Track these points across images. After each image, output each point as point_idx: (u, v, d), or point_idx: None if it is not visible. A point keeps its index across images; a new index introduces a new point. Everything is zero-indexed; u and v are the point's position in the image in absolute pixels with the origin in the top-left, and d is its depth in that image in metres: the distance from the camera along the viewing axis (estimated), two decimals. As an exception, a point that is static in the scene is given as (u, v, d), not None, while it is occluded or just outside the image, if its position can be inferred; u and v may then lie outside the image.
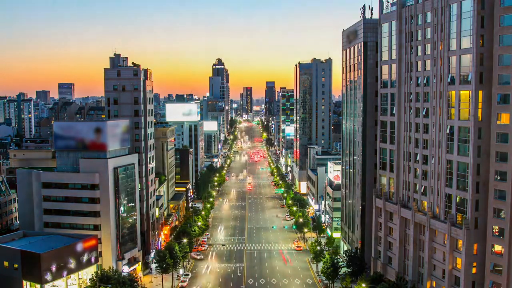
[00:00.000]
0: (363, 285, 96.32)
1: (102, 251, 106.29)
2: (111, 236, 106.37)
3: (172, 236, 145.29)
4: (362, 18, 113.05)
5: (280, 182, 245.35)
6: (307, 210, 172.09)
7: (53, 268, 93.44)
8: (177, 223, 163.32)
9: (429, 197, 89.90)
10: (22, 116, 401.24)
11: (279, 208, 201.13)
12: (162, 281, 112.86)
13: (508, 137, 74.40)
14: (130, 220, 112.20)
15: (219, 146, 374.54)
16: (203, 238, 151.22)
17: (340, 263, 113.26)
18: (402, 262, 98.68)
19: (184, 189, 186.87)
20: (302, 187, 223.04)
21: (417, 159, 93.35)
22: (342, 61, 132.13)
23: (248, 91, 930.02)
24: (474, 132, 78.21)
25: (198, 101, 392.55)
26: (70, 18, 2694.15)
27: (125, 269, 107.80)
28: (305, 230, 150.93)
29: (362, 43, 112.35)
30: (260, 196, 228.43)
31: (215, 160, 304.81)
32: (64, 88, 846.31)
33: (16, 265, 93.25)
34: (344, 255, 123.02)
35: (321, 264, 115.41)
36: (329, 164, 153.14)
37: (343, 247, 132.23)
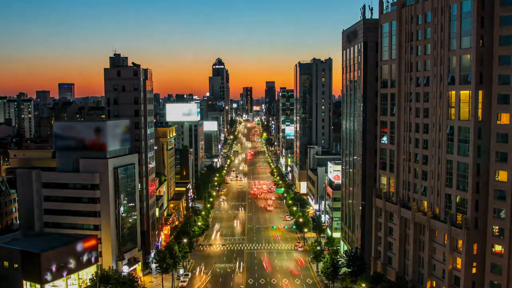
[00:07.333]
0: (363, 285, 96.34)
1: (102, 251, 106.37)
2: (111, 236, 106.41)
3: (172, 236, 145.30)
4: (362, 18, 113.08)
5: (280, 182, 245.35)
6: (307, 210, 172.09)
7: (53, 268, 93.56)
8: (177, 223, 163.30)
9: (429, 197, 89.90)
10: (22, 116, 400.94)
11: (279, 208, 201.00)
12: (162, 281, 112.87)
13: (508, 137, 74.43)
14: (130, 220, 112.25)
15: (219, 146, 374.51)
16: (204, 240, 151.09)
17: (340, 263, 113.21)
18: (402, 262, 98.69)
19: (184, 189, 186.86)
20: (302, 187, 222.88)
21: (417, 159, 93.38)
22: (342, 61, 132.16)
23: (248, 91, 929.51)
24: (474, 132, 78.21)
25: (198, 101, 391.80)
26: (70, 18, 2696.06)
27: (125, 269, 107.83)
28: (305, 230, 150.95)
29: (362, 43, 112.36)
30: (260, 196, 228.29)
31: (215, 160, 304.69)
32: (64, 88, 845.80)
33: (16, 265, 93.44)
34: (344, 255, 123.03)
35: (321, 264, 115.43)
36: (329, 164, 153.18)
37: (343, 247, 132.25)
